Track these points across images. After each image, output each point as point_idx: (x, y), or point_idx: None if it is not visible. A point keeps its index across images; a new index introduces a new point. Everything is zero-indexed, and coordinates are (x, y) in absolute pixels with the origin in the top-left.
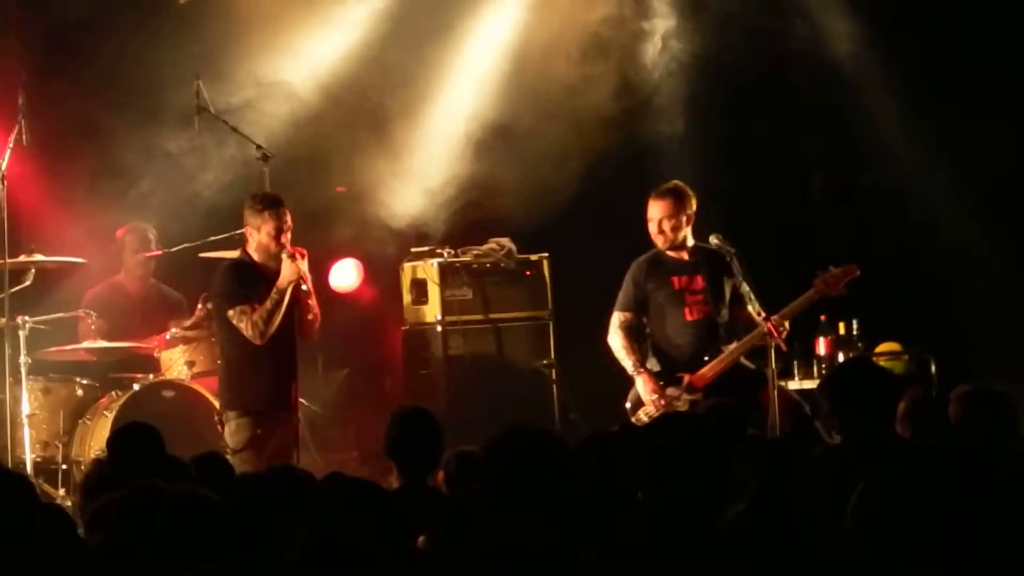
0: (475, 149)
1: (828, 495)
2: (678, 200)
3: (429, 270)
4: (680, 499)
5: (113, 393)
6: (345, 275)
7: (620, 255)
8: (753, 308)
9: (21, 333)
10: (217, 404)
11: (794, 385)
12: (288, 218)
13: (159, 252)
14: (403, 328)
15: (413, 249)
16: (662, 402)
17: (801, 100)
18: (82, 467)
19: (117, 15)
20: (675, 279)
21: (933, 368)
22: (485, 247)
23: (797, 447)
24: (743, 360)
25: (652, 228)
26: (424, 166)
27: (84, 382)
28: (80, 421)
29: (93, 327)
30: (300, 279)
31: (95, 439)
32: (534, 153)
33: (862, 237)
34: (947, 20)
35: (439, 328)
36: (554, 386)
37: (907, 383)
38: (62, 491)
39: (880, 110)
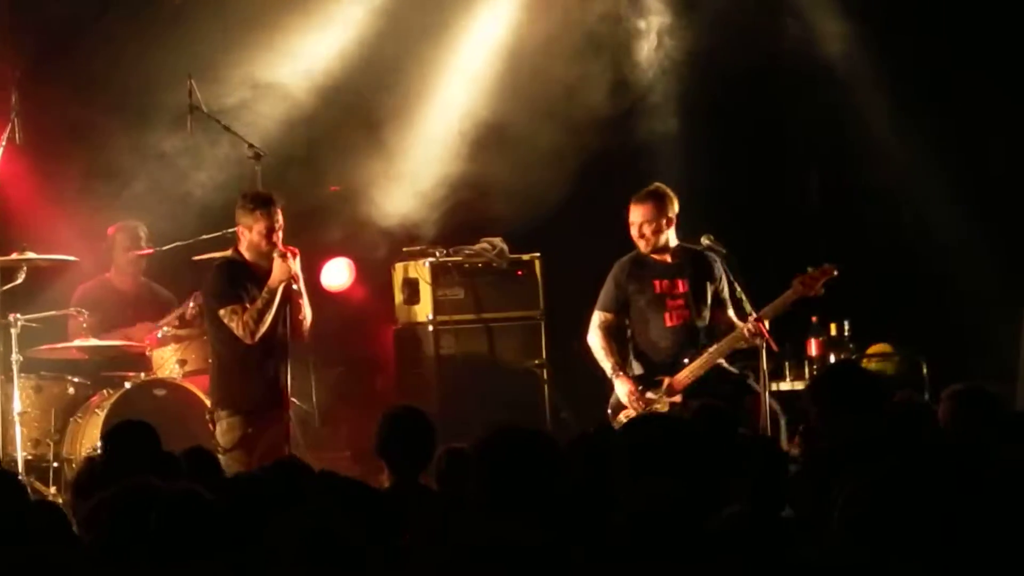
0: (467, 149)
1: (818, 496)
2: (658, 203)
3: (421, 269)
4: (661, 498)
5: (105, 391)
6: (337, 274)
7: (612, 255)
8: (745, 309)
9: (13, 331)
10: (208, 403)
11: (785, 386)
12: (280, 217)
13: (150, 250)
14: (395, 327)
15: (405, 248)
16: (641, 404)
17: (793, 100)
18: (73, 465)
19: (109, 16)
20: (657, 282)
21: (924, 369)
22: (477, 247)
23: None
24: (726, 366)
25: (633, 232)
26: (416, 166)
27: (76, 380)
28: (71, 419)
29: (84, 325)
30: (291, 278)
31: (86, 437)
32: (526, 152)
33: (854, 237)
34: (940, 21)
35: (431, 327)
36: (545, 386)
37: (898, 384)
38: (53, 489)
39: (872, 110)
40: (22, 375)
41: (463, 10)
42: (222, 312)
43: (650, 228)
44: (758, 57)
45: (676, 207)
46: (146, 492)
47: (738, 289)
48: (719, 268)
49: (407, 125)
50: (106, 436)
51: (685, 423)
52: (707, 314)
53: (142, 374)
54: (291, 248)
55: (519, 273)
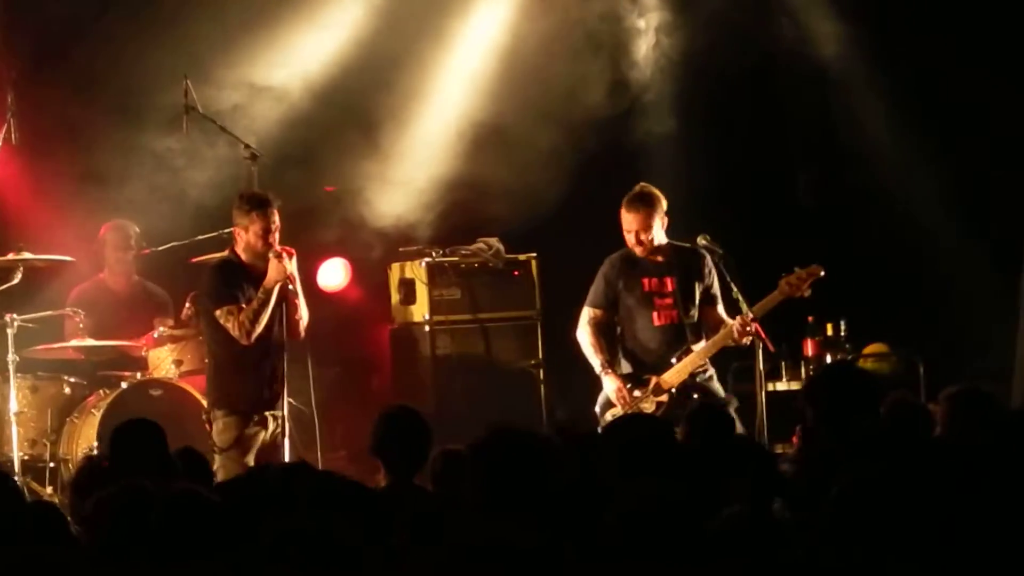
0: (463, 149)
1: (815, 497)
2: (650, 207)
3: (417, 270)
4: (651, 498)
5: (101, 391)
6: (333, 274)
7: (608, 255)
8: (742, 309)
9: (9, 331)
10: (205, 403)
11: (782, 386)
12: (276, 218)
13: (146, 251)
14: (391, 327)
15: (401, 249)
16: (628, 403)
17: (789, 100)
18: (70, 465)
19: (106, 16)
20: (646, 281)
21: (921, 369)
22: (473, 247)
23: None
24: (717, 387)
25: (630, 239)
26: (412, 166)
27: (72, 380)
28: (68, 419)
29: (81, 325)
30: (288, 279)
31: (83, 437)
32: (522, 153)
33: (849, 238)
34: (934, 21)
35: (427, 328)
36: (542, 386)
37: (894, 384)
38: (49, 489)
39: (868, 110)
40: (19, 375)
41: (459, 10)
42: (218, 312)
43: (646, 235)
44: (754, 57)
45: (665, 204)
46: (144, 492)
47: (735, 289)
48: (708, 264)
49: (403, 125)
50: (113, 434)
51: (667, 424)
52: (695, 312)
53: (138, 374)
54: (287, 248)
55: (515, 273)
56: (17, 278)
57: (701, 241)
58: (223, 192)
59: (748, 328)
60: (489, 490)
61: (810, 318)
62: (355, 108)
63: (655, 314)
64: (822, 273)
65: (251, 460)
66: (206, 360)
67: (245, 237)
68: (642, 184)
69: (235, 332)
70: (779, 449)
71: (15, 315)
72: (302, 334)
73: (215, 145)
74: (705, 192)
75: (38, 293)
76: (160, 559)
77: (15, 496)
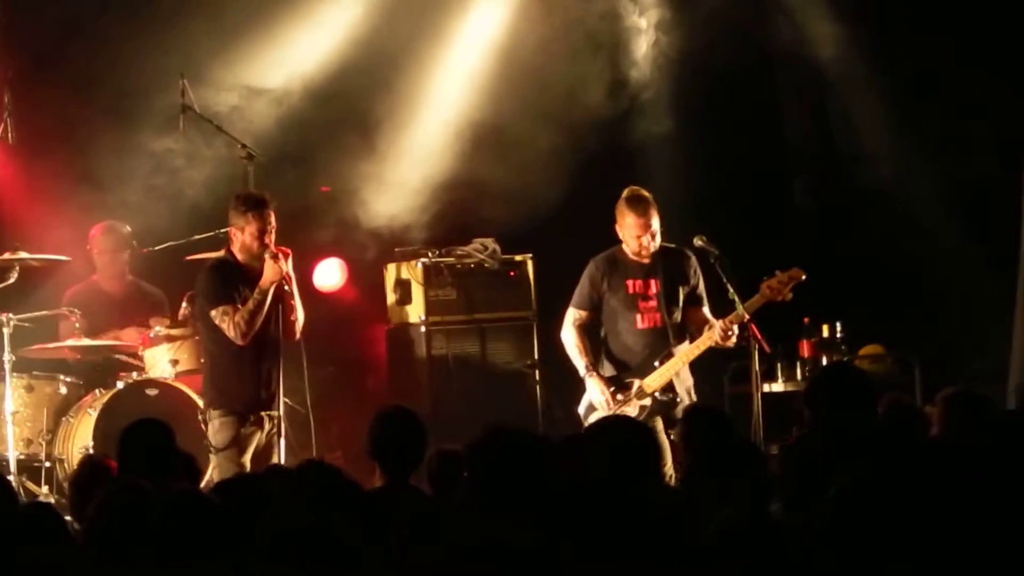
0: (460, 149)
1: (811, 498)
2: (653, 208)
3: (413, 270)
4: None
5: (97, 391)
6: (329, 275)
7: None
8: (738, 311)
9: (5, 331)
10: (201, 403)
11: (777, 387)
12: (272, 219)
13: (143, 251)
14: (387, 328)
15: (397, 249)
16: (612, 406)
17: (785, 100)
18: (65, 465)
19: (103, 17)
20: (630, 282)
21: (917, 371)
22: (469, 247)
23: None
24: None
25: (634, 242)
26: (408, 166)
27: (68, 380)
28: (63, 419)
29: (76, 325)
30: (283, 279)
31: (78, 437)
32: (518, 153)
33: (845, 239)
34: (931, 22)
35: (423, 328)
36: (537, 386)
37: (890, 386)
38: (45, 488)
39: (865, 112)
40: (14, 375)
41: (457, 10)
42: (214, 313)
43: (652, 237)
44: (753, 56)
45: None
46: (144, 492)
47: (731, 290)
48: (694, 265)
49: (400, 125)
50: (123, 434)
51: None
52: (679, 314)
53: (134, 374)
54: (283, 249)
55: (511, 274)
56: (13, 277)
57: (698, 242)
58: (219, 192)
59: (731, 331)
60: (486, 490)
61: (806, 319)
62: (352, 108)
63: (639, 316)
64: (803, 277)
65: (247, 460)
66: (202, 360)
67: (241, 237)
68: (633, 187)
69: (231, 332)
70: (775, 450)
71: (11, 315)
72: (298, 334)
73: (212, 145)
74: (702, 192)
75: (34, 293)
76: (160, 559)
77: (10, 496)
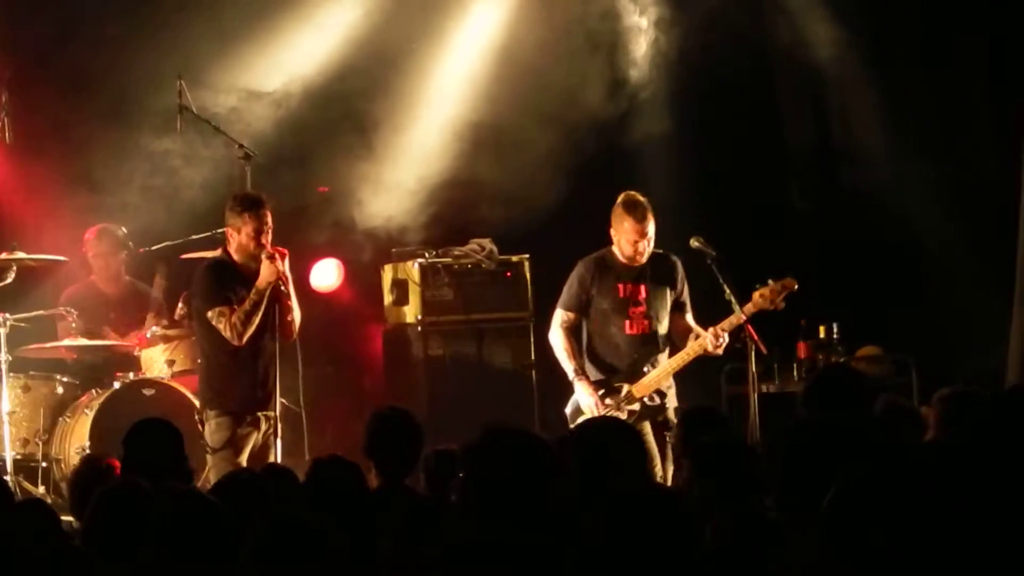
0: (457, 150)
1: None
2: (651, 214)
3: (410, 270)
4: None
5: (93, 391)
6: (326, 275)
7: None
8: (735, 311)
9: (1, 330)
10: (197, 403)
11: (774, 388)
12: (269, 219)
13: (140, 251)
14: (383, 328)
15: (394, 250)
16: (600, 410)
17: (783, 100)
18: (62, 465)
19: (101, 17)
20: (620, 286)
21: (913, 372)
22: (466, 248)
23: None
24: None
25: (629, 248)
26: (406, 167)
27: (64, 380)
28: (60, 419)
29: (73, 325)
30: (280, 280)
31: (75, 437)
32: (515, 154)
33: (842, 240)
34: (930, 22)
35: (420, 328)
36: (534, 387)
37: (886, 387)
38: (42, 488)
39: (861, 112)
40: (11, 374)
41: (454, 11)
42: (210, 314)
43: (648, 242)
44: (750, 56)
45: None
46: (144, 492)
47: (727, 291)
48: (680, 271)
49: (397, 126)
50: (129, 434)
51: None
52: (667, 321)
53: (131, 374)
54: (280, 249)
55: (508, 275)
56: (10, 277)
57: (694, 243)
58: (217, 192)
59: (722, 339)
60: (484, 490)
61: (803, 321)
62: (350, 109)
63: (628, 322)
64: (796, 287)
65: (243, 460)
66: (199, 360)
67: (238, 238)
68: (631, 192)
69: (227, 333)
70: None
71: (7, 315)
72: (295, 335)
73: (209, 145)
74: (699, 194)
75: (31, 292)
76: (160, 559)
77: (6, 496)
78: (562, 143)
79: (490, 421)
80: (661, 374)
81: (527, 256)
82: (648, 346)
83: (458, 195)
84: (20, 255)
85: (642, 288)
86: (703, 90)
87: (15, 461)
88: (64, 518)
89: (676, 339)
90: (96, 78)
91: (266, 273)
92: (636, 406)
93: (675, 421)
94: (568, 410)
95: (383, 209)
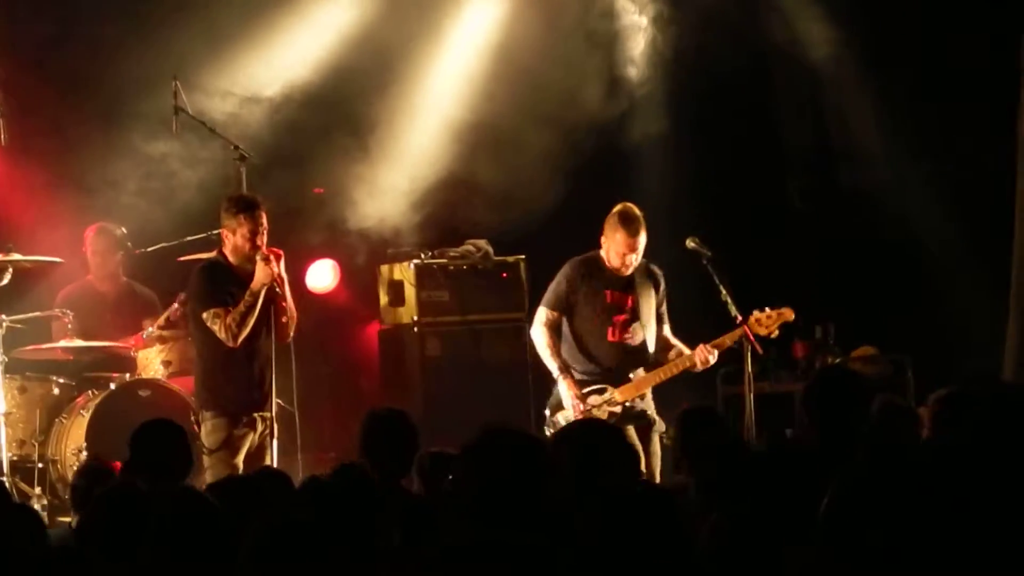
0: (452, 151)
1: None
2: (644, 228)
3: (406, 271)
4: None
5: (89, 392)
6: (322, 276)
7: None
8: (731, 312)
9: None
10: (193, 404)
11: (770, 389)
12: (264, 220)
13: (137, 251)
14: (379, 329)
15: (390, 250)
16: (582, 408)
17: (780, 100)
18: (58, 466)
19: (96, 18)
20: (608, 293)
21: (909, 372)
22: (462, 249)
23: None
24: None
25: (619, 259)
26: (401, 168)
27: (61, 381)
28: (56, 420)
29: (69, 326)
30: (275, 281)
31: (71, 438)
32: (512, 154)
33: (839, 240)
34: (927, 22)
35: (415, 329)
36: (530, 387)
37: (883, 387)
38: (38, 489)
39: (858, 112)
40: (7, 375)
41: (451, 11)
42: (205, 315)
43: (638, 256)
44: (747, 57)
45: None
46: (143, 492)
47: (723, 292)
48: (662, 283)
49: (393, 127)
50: (135, 434)
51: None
52: (653, 330)
53: (127, 375)
54: (275, 250)
55: (504, 275)
56: (6, 279)
57: (690, 243)
58: (212, 194)
59: (711, 357)
60: (482, 490)
61: (799, 321)
62: (345, 110)
63: (611, 329)
64: (792, 318)
65: (240, 461)
66: (194, 361)
67: (233, 239)
68: (628, 204)
69: (222, 334)
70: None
71: (3, 316)
72: (290, 336)
73: (205, 147)
74: (696, 194)
75: (27, 294)
76: (159, 559)
77: (2, 497)
78: (559, 144)
79: (489, 421)
80: (646, 381)
81: (523, 257)
82: (627, 355)
83: (454, 196)
84: (16, 256)
85: (629, 299)
86: (701, 90)
87: (11, 462)
88: (63, 519)
89: (657, 351)
90: (92, 79)
91: (261, 274)
92: (618, 409)
93: (657, 419)
94: (547, 408)
95: (379, 210)
